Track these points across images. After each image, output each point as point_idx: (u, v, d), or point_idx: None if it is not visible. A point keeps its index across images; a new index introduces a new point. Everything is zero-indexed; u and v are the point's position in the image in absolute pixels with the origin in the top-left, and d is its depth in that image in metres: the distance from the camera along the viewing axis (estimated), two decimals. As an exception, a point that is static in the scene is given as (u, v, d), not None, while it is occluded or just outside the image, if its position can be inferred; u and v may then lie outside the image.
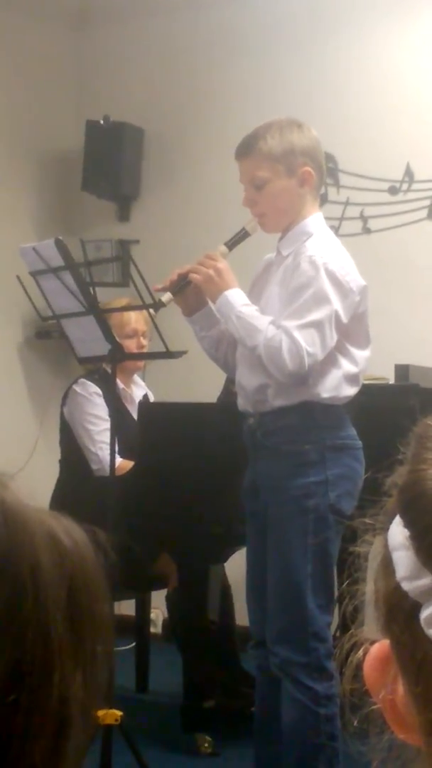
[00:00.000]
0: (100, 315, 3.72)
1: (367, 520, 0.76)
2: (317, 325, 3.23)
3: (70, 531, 0.82)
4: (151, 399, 4.90)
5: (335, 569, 3.38)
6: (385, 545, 0.73)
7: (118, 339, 3.85)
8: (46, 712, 0.76)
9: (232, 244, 3.48)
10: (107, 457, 4.44)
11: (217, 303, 3.41)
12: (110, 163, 6.14)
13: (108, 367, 4.00)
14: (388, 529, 0.73)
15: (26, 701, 0.75)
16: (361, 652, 0.78)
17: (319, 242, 3.35)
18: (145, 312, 4.14)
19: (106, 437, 4.45)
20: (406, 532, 0.71)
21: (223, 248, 3.47)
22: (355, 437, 3.38)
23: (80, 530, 0.83)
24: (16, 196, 6.17)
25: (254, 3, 5.96)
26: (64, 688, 0.77)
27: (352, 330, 3.35)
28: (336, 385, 3.33)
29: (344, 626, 0.82)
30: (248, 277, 3.54)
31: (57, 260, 3.63)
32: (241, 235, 3.48)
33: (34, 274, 3.72)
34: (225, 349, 3.55)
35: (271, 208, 3.40)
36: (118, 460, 4.04)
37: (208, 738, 4.23)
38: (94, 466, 4.54)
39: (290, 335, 3.21)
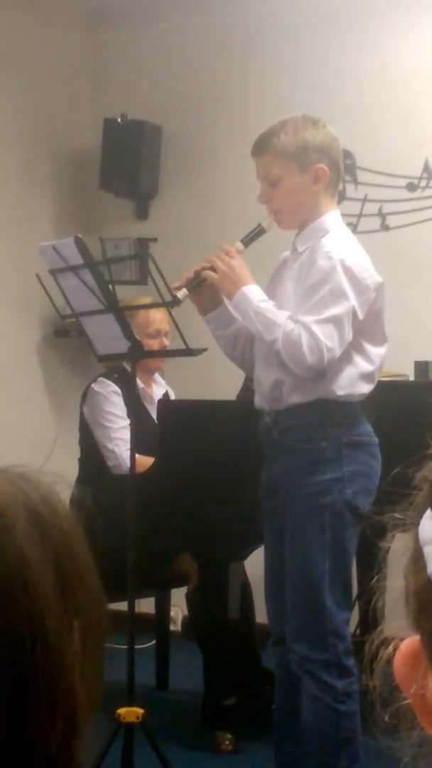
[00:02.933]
0: (120, 313, 3.72)
1: (397, 515, 0.76)
2: (335, 320, 3.23)
3: (45, 496, 0.81)
4: (172, 397, 4.89)
5: (353, 566, 3.38)
6: (416, 540, 0.73)
7: (140, 338, 3.85)
8: (56, 700, 0.76)
9: (247, 241, 3.48)
10: (123, 454, 4.45)
11: (234, 299, 3.41)
12: (128, 162, 6.13)
13: (127, 366, 4.00)
14: (418, 523, 0.73)
15: (35, 697, 0.75)
16: (391, 648, 0.77)
17: (336, 239, 3.35)
18: (167, 312, 4.13)
19: (123, 435, 4.46)
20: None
21: (239, 245, 3.47)
22: (371, 434, 3.38)
23: (53, 491, 0.82)
24: (35, 195, 6.18)
25: (272, 0, 5.95)
26: (70, 672, 0.77)
27: (367, 327, 3.35)
28: (351, 383, 3.33)
29: (374, 621, 0.82)
30: (264, 273, 3.54)
31: (76, 258, 3.63)
32: (257, 232, 3.48)
33: (54, 272, 3.72)
34: (242, 347, 3.54)
35: (285, 204, 3.41)
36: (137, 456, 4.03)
37: (228, 735, 4.23)
38: (110, 463, 4.54)
39: (309, 330, 3.21)
